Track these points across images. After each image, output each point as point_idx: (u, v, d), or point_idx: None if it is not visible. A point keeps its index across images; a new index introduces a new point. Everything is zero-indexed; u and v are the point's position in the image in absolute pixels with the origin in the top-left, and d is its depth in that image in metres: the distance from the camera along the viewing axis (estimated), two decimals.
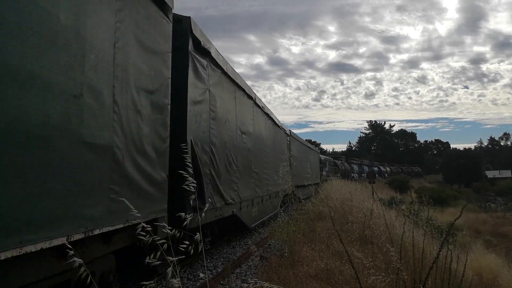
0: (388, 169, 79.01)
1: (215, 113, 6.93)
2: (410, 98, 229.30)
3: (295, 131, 20.92)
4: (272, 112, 13.25)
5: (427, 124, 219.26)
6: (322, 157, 32.44)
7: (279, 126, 14.64)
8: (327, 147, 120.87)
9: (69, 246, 2.38)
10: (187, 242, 2.72)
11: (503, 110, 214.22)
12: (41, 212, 2.61)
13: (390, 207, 13.24)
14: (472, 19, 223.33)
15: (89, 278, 2.25)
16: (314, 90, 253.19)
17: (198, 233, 2.71)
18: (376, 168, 64.28)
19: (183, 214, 2.89)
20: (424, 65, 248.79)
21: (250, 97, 10.00)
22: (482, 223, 27.17)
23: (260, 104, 11.17)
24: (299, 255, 7.22)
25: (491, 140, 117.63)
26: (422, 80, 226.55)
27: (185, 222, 2.80)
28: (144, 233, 2.58)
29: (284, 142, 15.84)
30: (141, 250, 3.74)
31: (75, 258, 2.23)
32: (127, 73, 3.85)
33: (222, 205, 7.20)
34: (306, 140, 27.16)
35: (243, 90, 9.31)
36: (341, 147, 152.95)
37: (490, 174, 79.85)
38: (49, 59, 2.72)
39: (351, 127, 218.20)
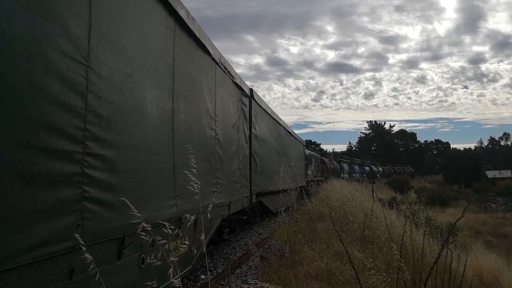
0: (380, 169, 78.19)
1: None
2: (409, 98, 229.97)
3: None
4: (208, 39, 6.01)
5: (426, 124, 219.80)
6: (307, 151, 24.85)
7: (217, 63, 6.58)
8: (327, 147, 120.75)
9: None
10: (187, 242, 2.73)
11: (502, 110, 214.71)
12: None
13: (390, 208, 13.23)
14: (471, 19, 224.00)
15: None
16: (313, 90, 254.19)
17: (202, 233, 2.72)
18: (367, 168, 63.80)
19: (187, 215, 2.90)
20: (423, 65, 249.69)
21: None
22: (482, 224, 27.17)
23: None
24: (300, 255, 7.21)
25: (491, 140, 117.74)
26: (422, 80, 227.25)
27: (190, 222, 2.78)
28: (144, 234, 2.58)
29: (235, 105, 7.98)
30: None
31: None
32: None
33: None
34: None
35: None
36: (341, 147, 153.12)
37: (490, 174, 79.82)
38: None
39: (351, 127, 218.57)
